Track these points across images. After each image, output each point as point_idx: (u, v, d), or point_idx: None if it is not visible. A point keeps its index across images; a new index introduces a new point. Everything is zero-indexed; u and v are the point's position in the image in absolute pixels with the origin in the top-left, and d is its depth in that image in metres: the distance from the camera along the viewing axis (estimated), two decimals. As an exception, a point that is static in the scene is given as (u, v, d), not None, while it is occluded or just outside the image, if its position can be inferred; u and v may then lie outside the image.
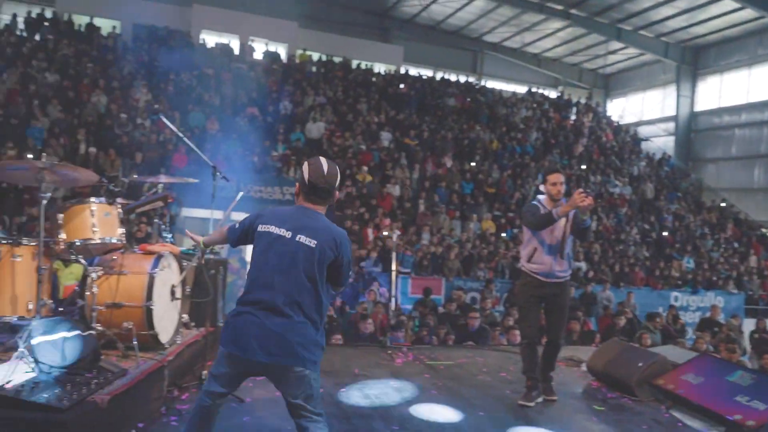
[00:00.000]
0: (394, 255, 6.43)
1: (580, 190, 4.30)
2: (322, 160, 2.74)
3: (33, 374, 3.20)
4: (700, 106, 23.94)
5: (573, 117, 23.41)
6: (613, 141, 22.99)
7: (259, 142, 15.18)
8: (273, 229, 2.66)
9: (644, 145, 24.02)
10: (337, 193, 2.76)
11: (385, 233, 14.04)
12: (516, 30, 24.08)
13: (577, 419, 4.35)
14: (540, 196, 4.58)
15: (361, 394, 4.50)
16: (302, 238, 2.61)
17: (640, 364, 4.99)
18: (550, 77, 27.48)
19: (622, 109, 27.51)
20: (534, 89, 24.91)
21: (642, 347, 6.27)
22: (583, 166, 20.30)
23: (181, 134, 5.23)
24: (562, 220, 4.41)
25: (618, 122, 25.25)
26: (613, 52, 24.96)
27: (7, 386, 2.95)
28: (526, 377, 4.67)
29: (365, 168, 15.75)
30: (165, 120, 4.71)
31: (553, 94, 25.42)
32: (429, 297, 11.12)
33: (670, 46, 23.28)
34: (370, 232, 14.07)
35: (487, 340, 7.36)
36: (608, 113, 26.57)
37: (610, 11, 21.32)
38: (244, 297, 2.66)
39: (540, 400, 4.60)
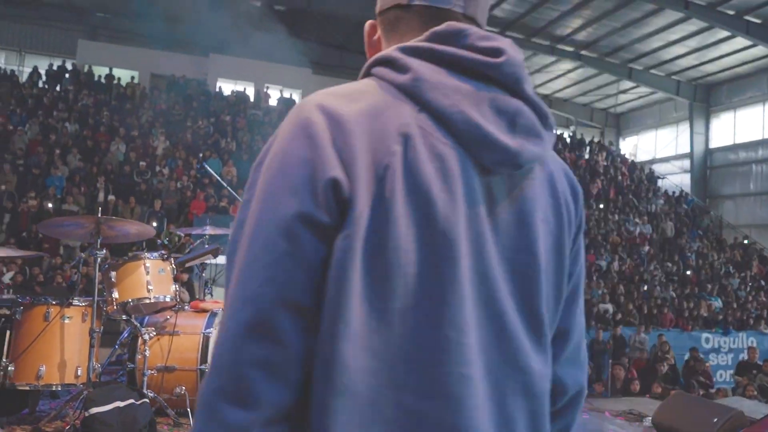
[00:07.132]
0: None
1: None
2: None
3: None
4: (715, 142, 23.79)
5: (586, 156, 23.33)
6: (629, 179, 22.83)
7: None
8: None
9: (660, 183, 23.84)
10: None
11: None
12: (526, 72, 24.17)
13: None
14: None
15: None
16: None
17: (716, 420, 4.65)
18: (561, 117, 27.53)
19: (634, 147, 27.45)
20: (546, 130, 24.86)
21: (711, 400, 5.92)
22: (601, 206, 20.11)
23: (222, 181, 5.09)
24: None
25: (632, 160, 25.15)
26: (624, 92, 25.05)
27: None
28: None
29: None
30: (208, 168, 4.60)
31: (565, 134, 25.41)
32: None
33: (682, 84, 23.34)
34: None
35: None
36: (621, 152, 26.51)
37: (621, 51, 21.43)
38: None
39: None
